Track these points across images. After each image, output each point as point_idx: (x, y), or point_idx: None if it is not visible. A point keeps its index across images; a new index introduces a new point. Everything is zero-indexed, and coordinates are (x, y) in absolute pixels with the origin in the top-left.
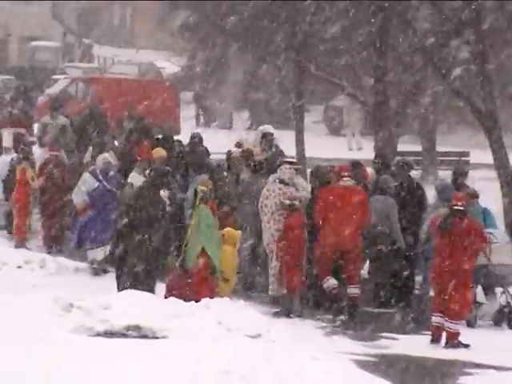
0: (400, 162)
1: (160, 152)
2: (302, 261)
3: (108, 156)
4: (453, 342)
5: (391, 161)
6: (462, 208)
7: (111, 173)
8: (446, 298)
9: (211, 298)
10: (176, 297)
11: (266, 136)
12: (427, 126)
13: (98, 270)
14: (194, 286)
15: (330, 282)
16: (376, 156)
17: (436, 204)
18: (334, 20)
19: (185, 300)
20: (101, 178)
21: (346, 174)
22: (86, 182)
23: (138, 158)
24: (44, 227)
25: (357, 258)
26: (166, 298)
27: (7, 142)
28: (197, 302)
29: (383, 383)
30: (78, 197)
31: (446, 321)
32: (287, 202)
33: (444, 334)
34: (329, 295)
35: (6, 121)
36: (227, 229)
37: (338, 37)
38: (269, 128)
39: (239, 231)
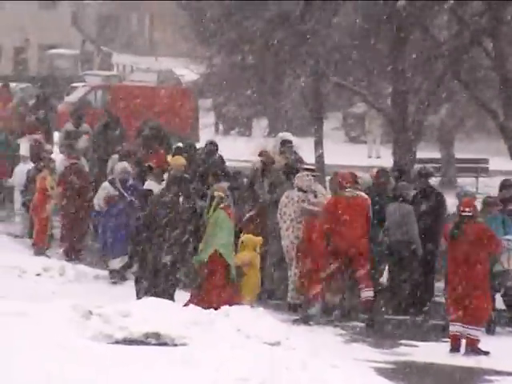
0: (420, 169)
1: (179, 160)
2: (323, 268)
3: (127, 165)
4: (473, 348)
5: (410, 168)
6: (470, 214)
7: (130, 181)
8: (465, 304)
9: (230, 305)
10: (196, 304)
11: (285, 143)
12: (446, 133)
13: (117, 278)
14: (211, 292)
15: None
16: (395, 163)
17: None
18: (353, 27)
19: (205, 307)
20: (119, 187)
21: (348, 183)
22: (106, 189)
23: (154, 166)
24: (64, 235)
25: (365, 263)
26: (186, 304)
27: (24, 150)
28: (216, 309)
29: None
30: (99, 202)
31: (466, 328)
32: (309, 207)
33: (463, 342)
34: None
35: (24, 129)
36: (246, 235)
37: (357, 44)
38: (288, 135)
39: (259, 237)
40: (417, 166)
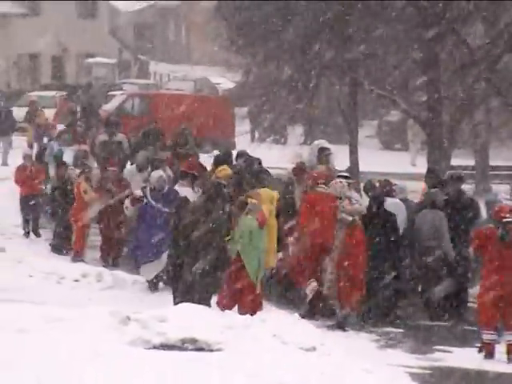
0: (451, 175)
1: (226, 171)
2: (362, 276)
3: (163, 174)
4: None
5: (443, 175)
6: (510, 219)
7: (166, 188)
8: (507, 310)
9: (254, 311)
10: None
11: (323, 151)
12: (480, 140)
13: (153, 286)
14: (239, 298)
15: (313, 285)
16: (429, 170)
17: (488, 219)
18: (388, 35)
19: (242, 312)
20: (149, 196)
21: (320, 181)
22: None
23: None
24: (102, 241)
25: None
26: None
27: (67, 157)
28: (252, 315)
29: None
30: (130, 212)
31: (507, 332)
32: (349, 218)
33: (497, 348)
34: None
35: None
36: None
37: (392, 53)
38: (324, 143)
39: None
40: (448, 172)
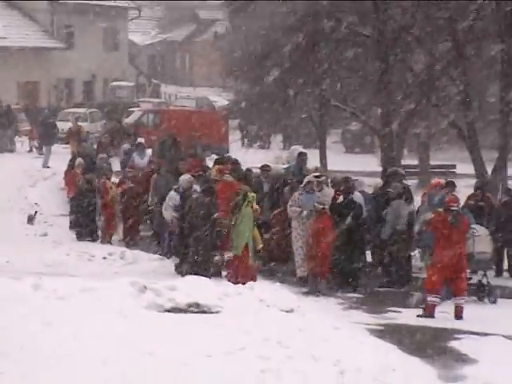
0: (395, 171)
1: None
2: (329, 253)
3: (190, 176)
4: (461, 313)
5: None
6: (456, 208)
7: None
8: (453, 279)
9: (253, 280)
10: (232, 280)
11: (301, 155)
12: (422, 144)
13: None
14: (242, 271)
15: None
16: (394, 171)
17: (425, 207)
18: (350, 64)
19: (236, 282)
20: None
21: (226, 171)
22: (172, 198)
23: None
24: (124, 228)
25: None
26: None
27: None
28: (243, 284)
29: (389, 347)
30: (167, 213)
31: (457, 298)
32: (320, 206)
33: (453, 309)
34: None
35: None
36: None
37: (352, 76)
38: (299, 148)
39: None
40: (391, 169)
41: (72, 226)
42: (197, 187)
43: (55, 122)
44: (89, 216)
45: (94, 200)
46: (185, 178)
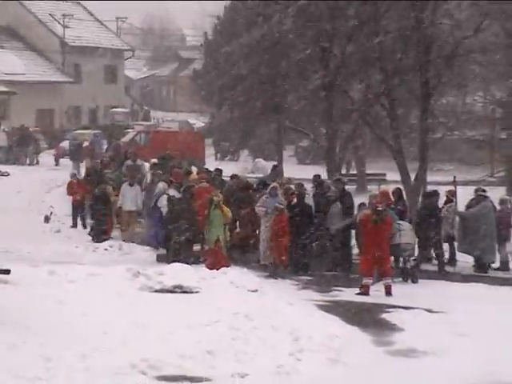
0: (338, 179)
1: (193, 176)
2: (286, 243)
3: (165, 184)
4: (390, 291)
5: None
6: (381, 208)
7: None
8: (379, 264)
9: (226, 266)
10: (208, 266)
11: (275, 167)
12: (360, 157)
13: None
14: (215, 260)
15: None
16: (337, 179)
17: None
18: (301, 94)
19: (212, 268)
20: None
21: (203, 179)
22: (164, 199)
23: (173, 180)
24: (120, 225)
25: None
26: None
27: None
28: (217, 270)
29: (334, 319)
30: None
31: (385, 278)
32: (281, 206)
33: (383, 288)
34: None
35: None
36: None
37: (302, 104)
38: (262, 160)
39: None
40: (335, 177)
41: (91, 231)
42: (175, 192)
43: (82, 142)
44: (102, 219)
45: (107, 206)
46: (161, 185)
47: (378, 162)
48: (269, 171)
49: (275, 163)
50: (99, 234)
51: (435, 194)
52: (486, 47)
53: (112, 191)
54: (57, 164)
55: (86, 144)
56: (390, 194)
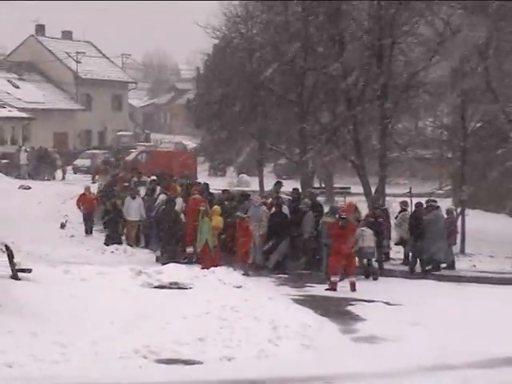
0: (310, 192)
1: (177, 189)
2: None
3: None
4: (354, 287)
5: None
6: (345, 217)
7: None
8: (345, 264)
9: (215, 266)
10: (201, 266)
11: (277, 183)
12: (328, 172)
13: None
14: (205, 261)
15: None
16: (309, 192)
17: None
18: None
19: (203, 268)
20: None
21: (196, 191)
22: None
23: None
24: (126, 232)
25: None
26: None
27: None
28: (207, 269)
29: (308, 311)
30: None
31: (350, 276)
32: (243, 215)
33: (349, 285)
34: None
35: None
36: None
37: (278, 128)
38: (246, 176)
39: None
40: (308, 190)
41: (106, 240)
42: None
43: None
44: (115, 228)
45: (118, 217)
46: (162, 196)
47: (343, 178)
48: (270, 187)
49: (279, 180)
50: (110, 240)
51: (420, 205)
52: (435, 80)
53: (121, 205)
54: (63, 178)
55: (99, 162)
56: (355, 206)
